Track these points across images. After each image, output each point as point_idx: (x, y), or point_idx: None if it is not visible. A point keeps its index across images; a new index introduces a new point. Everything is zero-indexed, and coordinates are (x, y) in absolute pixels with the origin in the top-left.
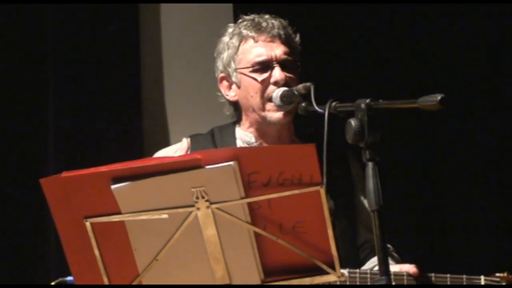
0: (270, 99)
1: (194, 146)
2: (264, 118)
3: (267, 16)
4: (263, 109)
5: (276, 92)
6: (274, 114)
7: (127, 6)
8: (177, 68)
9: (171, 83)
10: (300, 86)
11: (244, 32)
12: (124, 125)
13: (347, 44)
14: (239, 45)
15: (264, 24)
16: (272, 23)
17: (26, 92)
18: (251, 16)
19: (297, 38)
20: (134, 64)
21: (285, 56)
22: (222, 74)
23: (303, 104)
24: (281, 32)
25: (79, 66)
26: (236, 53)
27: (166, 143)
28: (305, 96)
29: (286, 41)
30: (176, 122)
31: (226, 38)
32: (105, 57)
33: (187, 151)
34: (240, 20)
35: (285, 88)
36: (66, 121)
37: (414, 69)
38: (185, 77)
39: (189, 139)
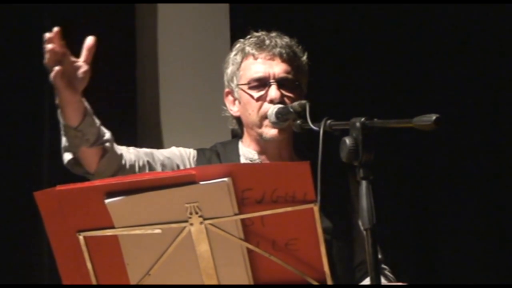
0: (266, 117)
1: (200, 159)
2: (260, 135)
3: (273, 34)
4: (260, 126)
5: (271, 109)
6: (270, 131)
7: (123, 6)
8: (173, 69)
9: (166, 87)
10: (296, 103)
11: (247, 49)
12: (118, 132)
13: (343, 61)
14: (241, 62)
15: (267, 42)
16: (276, 42)
17: (20, 97)
18: (259, 33)
19: (304, 57)
20: (130, 65)
21: (284, 75)
22: (227, 89)
23: (298, 122)
24: (283, 51)
25: None
26: (238, 69)
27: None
28: (301, 114)
29: (288, 59)
30: (170, 128)
31: (232, 54)
32: (101, 57)
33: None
34: (248, 36)
35: (280, 105)
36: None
37: (410, 84)
38: (180, 80)
39: (195, 151)
